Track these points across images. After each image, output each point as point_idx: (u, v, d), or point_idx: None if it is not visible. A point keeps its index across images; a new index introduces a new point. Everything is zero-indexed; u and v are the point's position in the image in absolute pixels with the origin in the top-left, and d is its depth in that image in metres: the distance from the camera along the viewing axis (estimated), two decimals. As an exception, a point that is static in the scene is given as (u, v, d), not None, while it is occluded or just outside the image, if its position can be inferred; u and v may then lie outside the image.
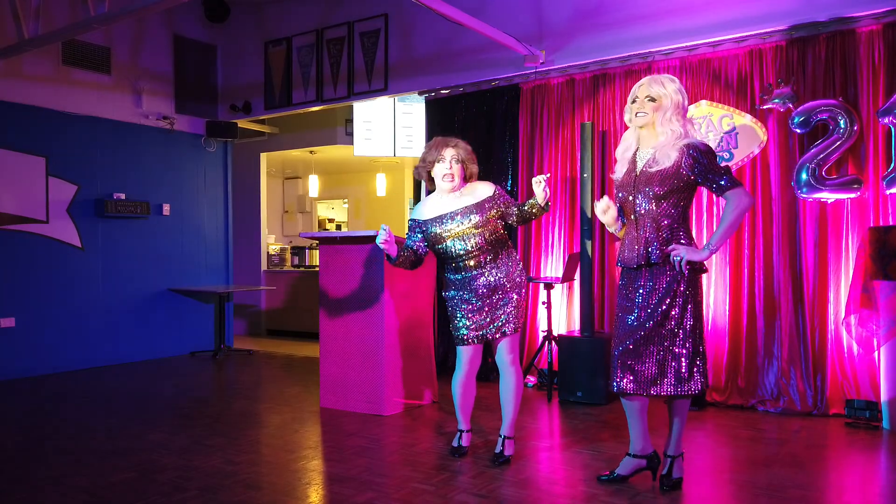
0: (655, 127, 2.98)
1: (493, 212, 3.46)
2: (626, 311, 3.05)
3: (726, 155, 4.83)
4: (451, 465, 3.46)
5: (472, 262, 3.46)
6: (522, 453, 3.66)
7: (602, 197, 3.19)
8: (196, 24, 7.45)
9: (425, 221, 3.54)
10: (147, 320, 7.03)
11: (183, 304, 7.36)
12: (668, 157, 2.93)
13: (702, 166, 2.89)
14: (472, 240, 3.43)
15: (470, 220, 3.43)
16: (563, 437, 4.11)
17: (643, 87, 2.99)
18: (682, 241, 2.94)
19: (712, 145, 4.87)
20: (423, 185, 6.36)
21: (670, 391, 2.95)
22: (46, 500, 3.04)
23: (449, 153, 3.47)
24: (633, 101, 3.02)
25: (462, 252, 3.45)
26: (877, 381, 4.26)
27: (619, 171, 3.13)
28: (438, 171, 3.49)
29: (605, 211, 3.16)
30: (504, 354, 3.54)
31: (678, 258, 2.87)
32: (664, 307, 2.94)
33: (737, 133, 4.80)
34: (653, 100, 2.96)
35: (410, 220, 3.64)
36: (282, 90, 7.10)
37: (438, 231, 3.48)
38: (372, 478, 3.27)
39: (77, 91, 6.51)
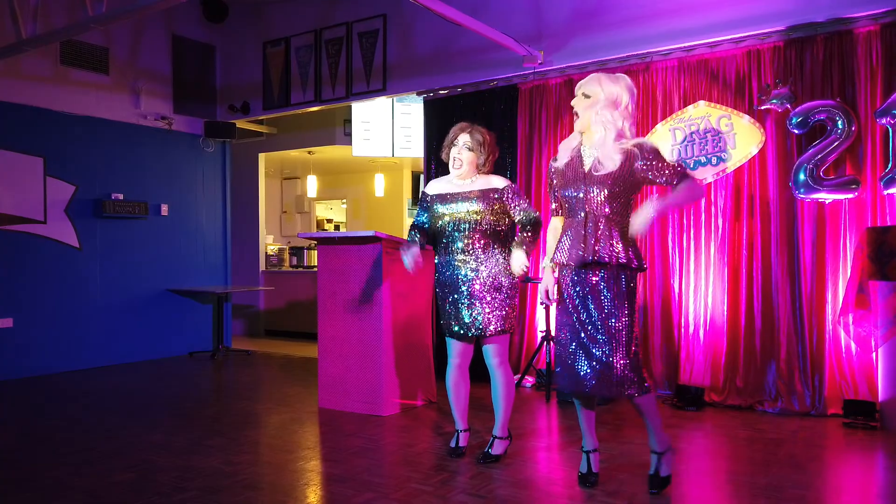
0: (591, 125, 2.95)
1: (497, 206, 3.49)
2: (577, 311, 2.95)
3: (724, 155, 4.84)
4: (449, 466, 3.47)
5: (461, 249, 3.49)
6: (521, 453, 3.66)
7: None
8: (195, 24, 7.44)
9: (433, 196, 3.62)
10: (145, 321, 7.02)
11: (181, 304, 7.36)
12: (612, 160, 2.88)
13: (652, 166, 2.86)
14: (467, 226, 3.47)
15: (471, 205, 3.47)
16: (561, 437, 4.12)
17: (579, 85, 2.98)
18: (628, 237, 2.90)
19: (710, 146, 4.91)
20: (423, 182, 6.39)
21: (629, 388, 2.90)
22: (46, 500, 3.04)
23: (462, 139, 3.53)
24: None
25: (455, 236, 3.51)
26: (875, 382, 4.27)
27: (561, 162, 3.06)
28: (451, 154, 3.56)
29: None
30: (489, 357, 3.53)
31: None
32: (627, 304, 2.91)
33: (735, 133, 4.81)
34: (587, 96, 2.94)
35: (422, 192, 3.73)
36: (280, 90, 7.10)
37: (441, 209, 3.55)
38: (371, 478, 3.28)
39: (75, 91, 6.51)
